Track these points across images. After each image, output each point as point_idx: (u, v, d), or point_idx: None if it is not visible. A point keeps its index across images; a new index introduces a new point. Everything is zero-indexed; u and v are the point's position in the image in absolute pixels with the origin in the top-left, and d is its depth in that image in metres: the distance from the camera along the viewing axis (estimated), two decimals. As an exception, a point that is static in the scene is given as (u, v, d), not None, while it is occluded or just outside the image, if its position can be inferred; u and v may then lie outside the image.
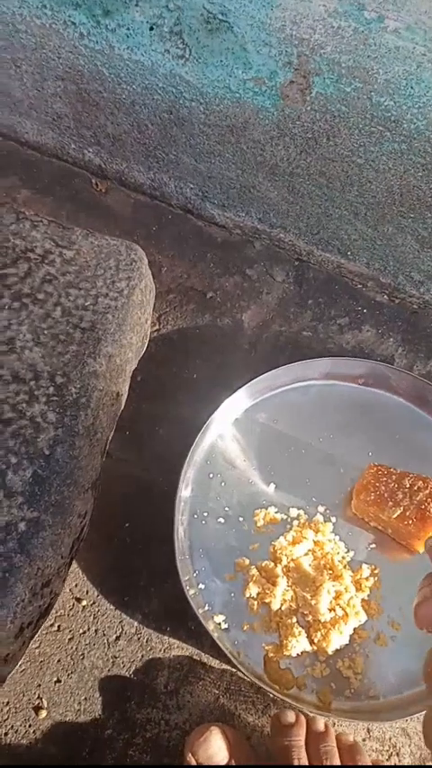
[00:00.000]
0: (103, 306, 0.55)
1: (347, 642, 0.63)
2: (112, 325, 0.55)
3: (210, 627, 0.64)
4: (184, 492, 0.69)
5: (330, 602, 0.64)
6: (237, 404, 0.73)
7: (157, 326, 0.79)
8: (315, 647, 0.63)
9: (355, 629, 0.64)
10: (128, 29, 0.63)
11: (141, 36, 0.63)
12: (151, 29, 0.62)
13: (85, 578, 0.69)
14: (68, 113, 0.76)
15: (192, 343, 0.79)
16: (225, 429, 0.73)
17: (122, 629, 0.67)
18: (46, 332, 0.53)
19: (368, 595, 0.65)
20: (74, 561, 0.66)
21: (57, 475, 0.49)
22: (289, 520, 0.69)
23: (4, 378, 0.51)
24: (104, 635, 0.67)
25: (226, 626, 0.65)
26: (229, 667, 0.66)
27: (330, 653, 0.62)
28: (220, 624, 0.65)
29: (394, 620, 0.65)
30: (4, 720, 0.63)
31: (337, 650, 0.63)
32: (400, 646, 0.64)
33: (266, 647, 0.64)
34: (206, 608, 0.65)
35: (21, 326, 0.53)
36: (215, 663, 0.66)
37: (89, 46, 0.66)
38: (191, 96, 0.66)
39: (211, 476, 0.71)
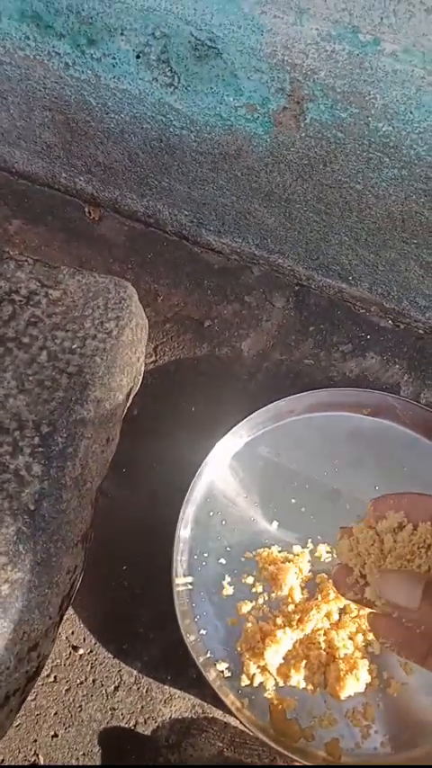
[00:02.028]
0: (91, 348, 0.53)
1: (362, 690, 0.60)
2: (100, 368, 0.52)
3: (211, 676, 0.61)
4: (184, 532, 0.67)
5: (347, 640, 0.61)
6: (237, 438, 0.70)
7: (153, 358, 0.77)
8: (328, 690, 0.60)
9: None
10: (113, 58, 0.61)
11: (128, 65, 0.61)
12: (138, 57, 0.60)
13: (82, 625, 0.66)
14: (57, 143, 0.74)
15: (189, 374, 0.76)
16: (225, 464, 0.70)
17: (121, 679, 0.64)
18: (31, 378, 0.51)
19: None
20: (69, 606, 0.63)
21: (43, 531, 0.47)
22: (293, 558, 0.65)
23: (-13, 428, 0.49)
24: (103, 685, 0.64)
25: (229, 674, 0.62)
26: (233, 719, 0.63)
27: (343, 698, 0.59)
28: (222, 672, 0.62)
29: (406, 663, 0.61)
30: (-2, 780, 0.60)
31: (348, 697, 0.59)
32: (414, 693, 0.61)
33: (271, 696, 0.61)
34: (207, 655, 0.63)
35: (5, 373, 0.51)
36: (218, 713, 0.63)
37: (75, 76, 0.64)
38: (181, 124, 0.64)
39: (211, 514, 0.68)
